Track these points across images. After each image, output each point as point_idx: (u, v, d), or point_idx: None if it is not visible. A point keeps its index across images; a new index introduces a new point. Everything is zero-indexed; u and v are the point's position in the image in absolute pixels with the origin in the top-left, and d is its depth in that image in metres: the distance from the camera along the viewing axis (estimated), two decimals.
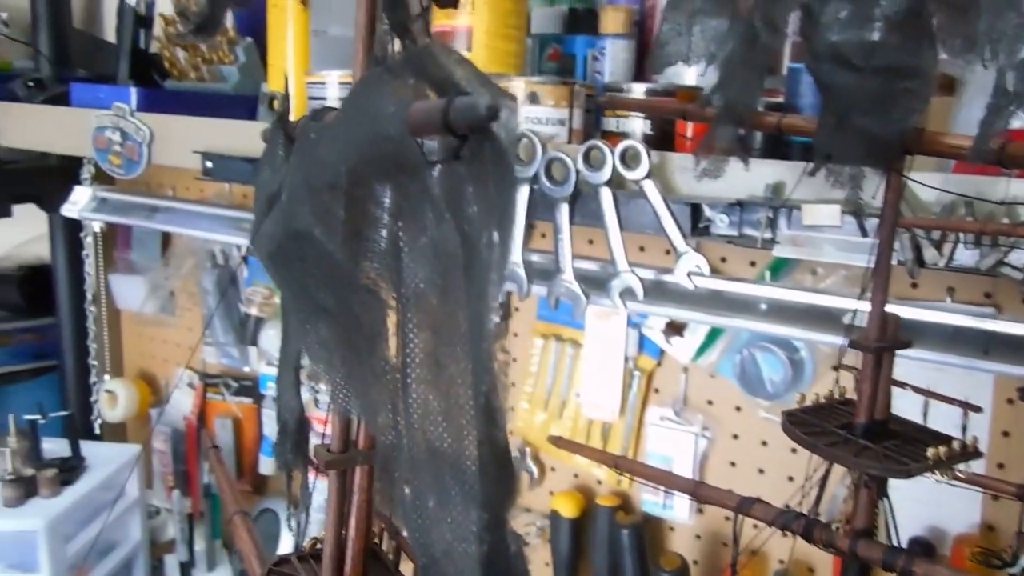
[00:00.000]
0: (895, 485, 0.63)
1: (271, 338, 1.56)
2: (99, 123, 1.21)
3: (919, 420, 0.65)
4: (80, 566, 1.37)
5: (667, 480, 0.74)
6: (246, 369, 1.65)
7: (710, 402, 1.19)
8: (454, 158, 0.40)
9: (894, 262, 0.71)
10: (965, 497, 0.82)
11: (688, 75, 1.02)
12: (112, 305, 1.77)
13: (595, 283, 0.88)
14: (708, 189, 0.80)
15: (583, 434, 1.29)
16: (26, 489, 1.34)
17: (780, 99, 0.91)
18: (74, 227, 1.67)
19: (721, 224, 0.80)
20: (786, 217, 0.77)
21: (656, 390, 1.23)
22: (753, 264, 1.11)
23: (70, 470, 1.41)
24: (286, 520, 1.59)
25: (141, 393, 1.78)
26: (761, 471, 1.16)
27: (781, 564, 1.13)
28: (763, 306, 0.84)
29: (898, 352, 0.62)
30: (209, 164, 1.11)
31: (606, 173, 0.81)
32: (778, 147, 0.83)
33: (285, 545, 1.56)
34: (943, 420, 0.64)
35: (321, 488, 0.67)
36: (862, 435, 0.61)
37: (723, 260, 1.12)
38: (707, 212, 0.81)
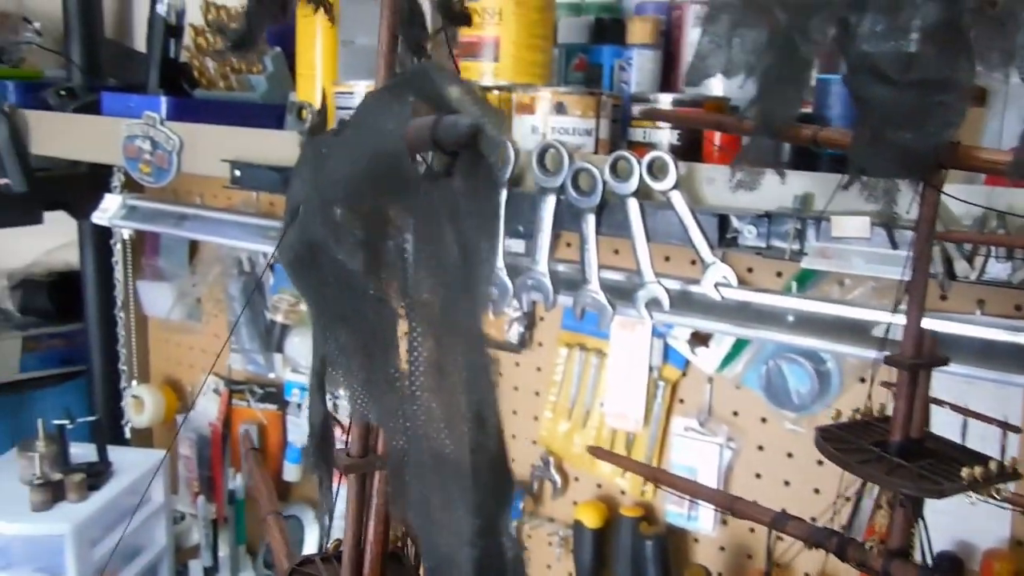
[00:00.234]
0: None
1: (296, 345, 1.57)
2: (129, 132, 1.22)
3: (958, 437, 0.64)
4: (106, 570, 1.39)
5: (704, 494, 0.73)
6: (271, 376, 1.66)
7: (735, 413, 1.18)
8: (446, 173, 0.43)
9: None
10: (994, 511, 0.81)
11: (716, 86, 1.02)
12: (140, 311, 1.79)
13: (621, 293, 0.88)
14: (735, 200, 0.80)
15: (607, 444, 1.28)
16: (54, 493, 1.36)
17: (808, 110, 0.90)
18: (103, 234, 1.69)
19: (749, 236, 0.79)
20: (815, 229, 0.77)
21: (681, 400, 1.23)
22: (780, 275, 1.10)
23: (97, 475, 1.42)
24: (315, 522, 1.60)
25: (167, 399, 1.80)
26: (787, 483, 1.15)
27: None
28: (790, 318, 0.84)
29: None
30: (237, 172, 1.12)
31: (633, 184, 0.81)
32: (806, 158, 0.83)
33: (310, 550, 1.56)
34: (980, 438, 0.64)
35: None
36: (896, 453, 0.60)
37: (749, 271, 1.12)
38: (735, 223, 0.81)
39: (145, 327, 1.83)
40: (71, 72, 1.62)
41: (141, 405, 1.76)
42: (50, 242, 1.91)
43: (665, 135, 0.92)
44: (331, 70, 1.14)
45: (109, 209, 1.42)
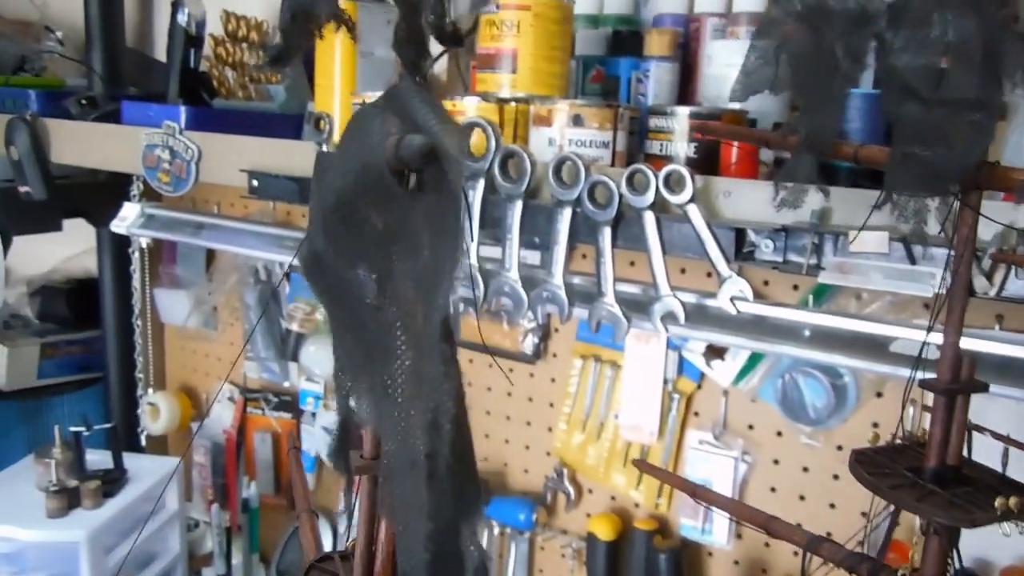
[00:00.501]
0: None
1: (311, 354, 1.58)
2: (149, 141, 1.23)
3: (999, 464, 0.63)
4: None
5: (741, 512, 0.72)
6: (286, 384, 1.67)
7: (751, 426, 1.18)
8: (417, 188, 0.46)
9: (941, 291, 0.70)
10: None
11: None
12: (156, 319, 1.80)
13: (637, 306, 0.87)
14: (752, 214, 0.79)
15: (621, 456, 1.28)
16: (69, 500, 1.36)
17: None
18: (122, 242, 1.70)
19: (765, 250, 0.79)
20: (832, 243, 0.76)
21: (696, 413, 1.22)
22: (796, 288, 1.10)
23: (112, 482, 1.43)
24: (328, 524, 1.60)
25: (183, 406, 1.80)
26: (802, 497, 1.14)
27: None
28: (806, 332, 0.83)
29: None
30: (255, 182, 1.13)
31: (650, 197, 0.81)
32: (823, 172, 0.82)
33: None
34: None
35: None
36: (931, 480, 0.59)
37: (766, 283, 1.11)
38: (751, 237, 0.80)
39: (162, 335, 1.84)
40: (92, 81, 1.63)
41: (157, 412, 1.77)
42: (69, 249, 1.92)
43: (682, 148, 0.92)
44: (349, 81, 1.14)
45: (128, 217, 1.43)
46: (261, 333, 1.65)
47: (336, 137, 1.02)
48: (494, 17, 1.00)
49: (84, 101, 1.39)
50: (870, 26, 0.56)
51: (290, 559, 1.67)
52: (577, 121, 0.92)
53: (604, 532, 1.27)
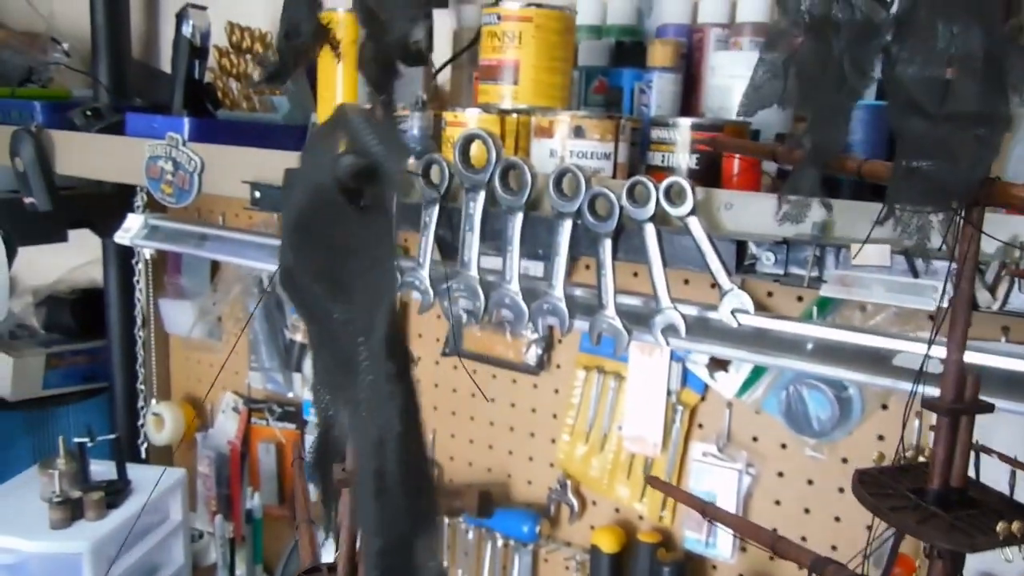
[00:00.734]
0: None
1: None
2: (152, 152, 1.23)
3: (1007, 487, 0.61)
4: None
5: (748, 530, 0.71)
6: (290, 395, 1.67)
7: (755, 438, 1.17)
8: (357, 205, 0.47)
9: (944, 304, 0.70)
10: None
11: (735, 108, 1.01)
12: (161, 329, 1.80)
13: (638, 319, 0.87)
14: (754, 226, 0.79)
15: (624, 468, 1.27)
16: (72, 511, 1.36)
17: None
18: (127, 253, 1.70)
19: (767, 262, 0.79)
20: (834, 256, 0.76)
21: (700, 425, 1.22)
22: (800, 299, 1.09)
23: (116, 493, 1.43)
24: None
25: (187, 417, 1.80)
26: (807, 511, 1.13)
27: None
28: (809, 346, 0.82)
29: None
30: (257, 194, 1.12)
31: (650, 209, 0.80)
32: (826, 184, 0.82)
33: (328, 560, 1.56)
34: None
35: None
36: (934, 502, 0.58)
37: (769, 295, 1.11)
38: (752, 250, 0.80)
39: (166, 345, 1.85)
40: (98, 92, 1.64)
41: (161, 422, 1.77)
42: (74, 260, 1.93)
43: (684, 159, 0.92)
44: (352, 93, 1.14)
45: (131, 229, 1.43)
46: (265, 343, 1.65)
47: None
48: (496, 28, 1.00)
49: (89, 112, 1.39)
50: (877, 39, 0.55)
51: (293, 570, 1.67)
52: (578, 133, 0.92)
53: (608, 544, 1.26)
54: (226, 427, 1.75)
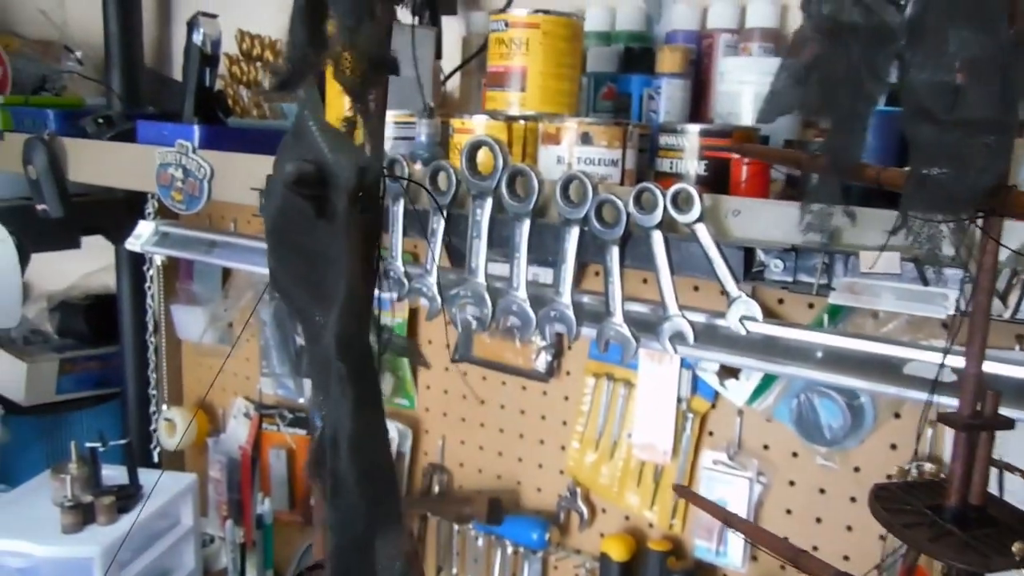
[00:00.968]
0: None
1: None
2: (162, 160, 1.24)
3: None
4: None
5: (770, 543, 0.70)
6: (301, 400, 1.67)
7: (766, 447, 1.16)
8: (320, 211, 0.49)
9: (953, 312, 0.69)
10: None
11: (745, 115, 1.01)
12: (173, 335, 1.80)
13: (645, 326, 0.86)
14: (762, 233, 0.78)
15: (634, 476, 1.26)
16: (84, 516, 1.36)
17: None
18: (139, 259, 1.71)
19: (775, 269, 0.78)
20: (843, 263, 0.75)
21: (710, 433, 1.21)
22: (811, 307, 1.08)
23: (127, 497, 1.43)
24: None
25: (199, 422, 1.81)
26: (819, 520, 1.12)
27: None
28: (819, 353, 0.82)
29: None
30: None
31: (657, 216, 0.80)
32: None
33: None
34: None
35: None
36: (951, 519, 0.57)
37: (780, 302, 1.10)
38: (761, 257, 0.79)
39: (178, 351, 1.85)
40: (111, 100, 1.65)
41: (173, 428, 1.78)
42: (88, 266, 1.94)
43: (692, 166, 0.91)
44: None
45: (142, 235, 1.44)
46: (276, 349, 1.66)
47: None
48: (503, 35, 1.00)
49: (100, 120, 1.40)
50: (893, 43, 0.55)
51: None
52: (585, 139, 0.92)
53: (617, 552, 1.25)
54: (237, 432, 1.76)
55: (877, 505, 0.60)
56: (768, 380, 1.13)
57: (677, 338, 0.83)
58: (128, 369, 1.80)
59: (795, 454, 1.14)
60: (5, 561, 1.32)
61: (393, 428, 1.50)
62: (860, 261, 0.71)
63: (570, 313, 0.88)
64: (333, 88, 1.16)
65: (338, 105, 1.16)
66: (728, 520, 0.74)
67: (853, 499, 1.09)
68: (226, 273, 1.73)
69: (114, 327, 1.80)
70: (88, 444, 1.44)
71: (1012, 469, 0.60)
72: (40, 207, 1.42)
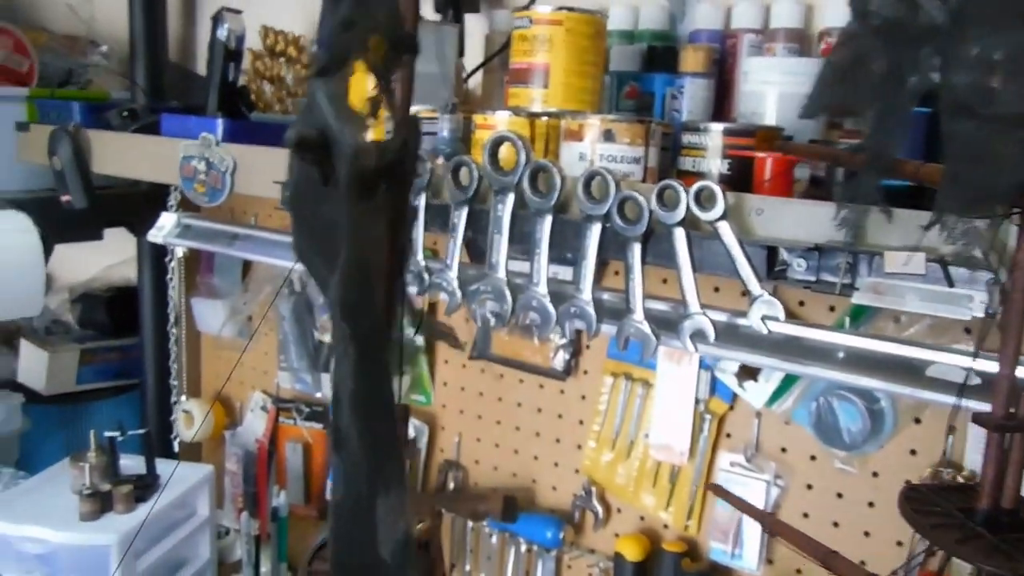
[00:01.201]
0: None
1: None
2: (186, 152, 1.25)
3: None
4: None
5: (804, 544, 0.70)
6: (318, 395, 1.68)
7: (784, 449, 1.16)
8: (326, 178, 0.49)
9: (979, 314, 0.68)
10: None
11: (768, 115, 1.00)
12: (193, 327, 1.82)
13: (666, 324, 0.86)
14: (785, 232, 0.78)
15: (651, 476, 1.26)
16: (102, 504, 1.37)
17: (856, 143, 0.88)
18: (160, 251, 1.72)
19: (798, 268, 0.77)
20: (867, 263, 0.74)
21: (728, 435, 1.20)
22: (832, 309, 1.07)
23: (145, 487, 1.44)
24: None
25: (216, 414, 1.82)
26: (836, 524, 1.11)
27: None
28: (841, 354, 0.81)
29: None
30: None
31: (680, 213, 0.80)
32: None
33: None
34: None
35: None
36: (982, 522, 0.56)
37: (801, 304, 1.09)
38: (783, 256, 0.79)
39: (198, 343, 1.86)
40: (135, 94, 1.66)
41: (191, 419, 1.79)
42: (110, 258, 1.96)
43: (715, 164, 0.91)
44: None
45: (164, 227, 1.45)
46: (295, 344, 1.66)
47: None
48: (526, 32, 1.00)
49: (125, 113, 1.42)
50: (935, 39, 0.54)
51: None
52: (608, 136, 0.91)
53: (632, 552, 1.25)
54: (254, 426, 1.77)
55: (907, 506, 0.59)
56: (787, 382, 1.12)
57: (698, 336, 0.83)
58: (148, 360, 1.81)
59: (813, 457, 1.13)
60: (24, 547, 1.33)
61: (410, 424, 1.51)
62: (884, 261, 0.71)
63: (590, 309, 0.88)
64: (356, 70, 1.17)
65: (361, 88, 1.16)
66: (763, 520, 0.74)
67: (871, 504, 1.09)
68: (246, 267, 1.74)
69: (135, 319, 1.82)
70: (107, 434, 1.45)
71: None
72: (64, 198, 1.43)
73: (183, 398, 1.82)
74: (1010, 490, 0.57)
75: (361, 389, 0.44)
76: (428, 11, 1.28)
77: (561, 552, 1.35)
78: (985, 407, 0.68)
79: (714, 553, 1.20)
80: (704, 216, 0.79)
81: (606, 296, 0.91)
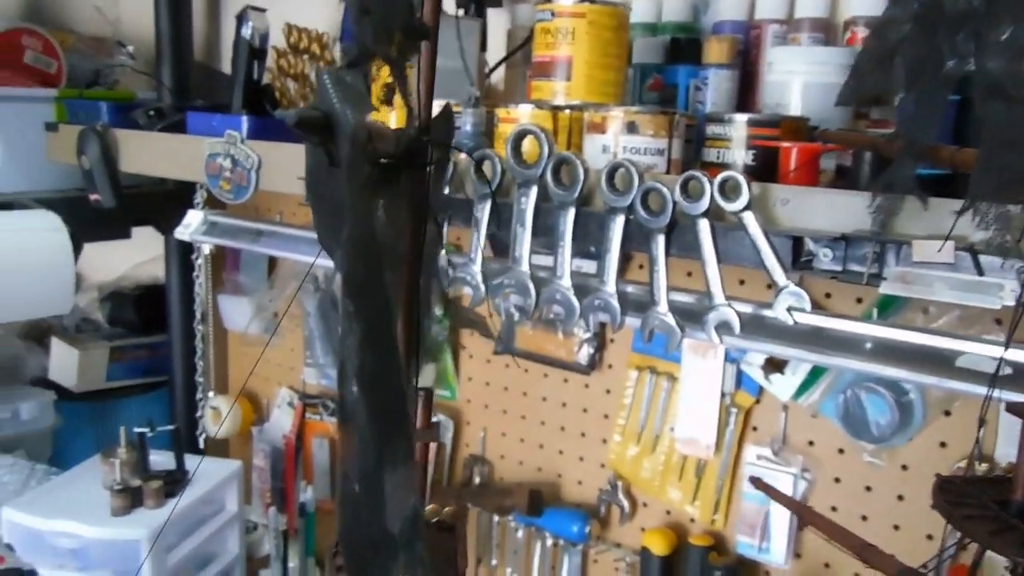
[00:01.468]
0: None
1: None
2: (211, 150, 1.26)
3: None
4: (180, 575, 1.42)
5: (841, 536, 0.69)
6: None
7: (811, 443, 1.15)
8: (332, 160, 0.50)
9: (1010, 303, 0.67)
10: None
11: (793, 105, 0.99)
12: (220, 325, 1.83)
13: (691, 316, 0.86)
14: (811, 222, 0.77)
15: (676, 470, 1.26)
16: (132, 499, 1.39)
17: (891, 131, 0.87)
18: (187, 249, 1.74)
19: (824, 258, 0.77)
20: (895, 253, 0.74)
21: (754, 428, 1.20)
22: (860, 301, 1.06)
23: (174, 482, 1.46)
24: None
25: (244, 410, 1.83)
26: (864, 518, 1.10)
27: None
28: (868, 345, 0.80)
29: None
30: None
31: (704, 204, 0.79)
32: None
33: None
34: None
35: None
36: (1017, 514, 0.55)
37: (828, 296, 1.08)
38: (809, 246, 0.78)
39: (225, 340, 1.88)
40: (161, 93, 1.68)
41: (219, 416, 1.81)
42: (138, 256, 1.98)
43: (739, 155, 0.90)
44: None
45: (191, 224, 1.46)
46: (320, 340, 1.67)
47: None
48: (549, 25, 1.00)
49: (152, 112, 1.43)
50: (973, 23, 0.54)
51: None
52: (631, 128, 0.91)
53: (658, 547, 1.24)
54: (281, 421, 1.78)
55: (940, 497, 0.59)
56: (814, 375, 1.11)
57: (723, 328, 0.83)
58: (176, 357, 1.83)
59: (841, 451, 1.12)
60: (57, 541, 1.35)
61: (434, 410, 1.51)
62: (912, 250, 0.70)
63: (614, 302, 0.87)
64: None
65: (380, 75, 1.17)
66: (802, 513, 0.73)
67: (900, 497, 1.08)
68: (272, 264, 1.75)
69: (163, 316, 1.84)
70: (137, 430, 1.47)
71: None
72: (93, 197, 1.45)
73: (210, 394, 1.83)
74: None
75: (367, 364, 0.45)
76: (450, 6, 1.28)
77: (587, 546, 1.35)
78: (1017, 397, 0.67)
79: (741, 547, 1.20)
80: (729, 207, 0.78)
81: (630, 289, 0.91)
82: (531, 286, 0.91)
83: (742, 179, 0.77)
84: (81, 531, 1.34)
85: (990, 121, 0.52)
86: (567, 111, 0.98)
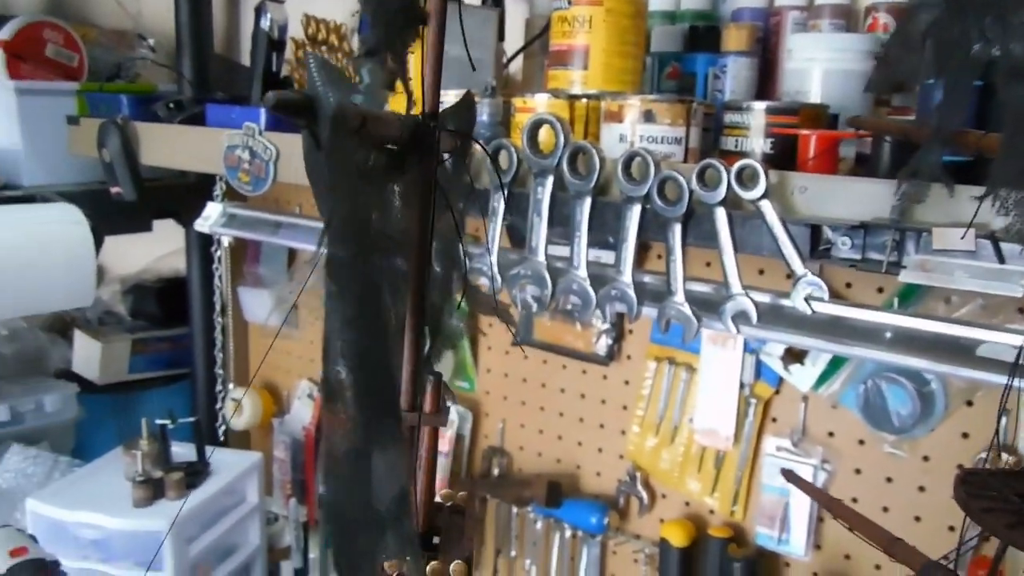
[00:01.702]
0: None
1: None
2: (230, 141, 1.26)
3: None
4: (201, 566, 1.43)
5: (869, 530, 0.69)
6: None
7: (831, 434, 1.14)
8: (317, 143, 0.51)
9: None
10: None
11: (813, 93, 0.98)
12: (240, 317, 1.84)
13: (708, 306, 0.85)
14: (830, 210, 0.76)
15: (695, 462, 1.25)
16: (154, 491, 1.40)
17: (911, 118, 0.86)
18: (207, 242, 1.75)
19: (843, 247, 0.76)
20: (914, 241, 0.73)
21: (774, 419, 1.19)
22: (881, 290, 1.05)
23: (195, 474, 1.47)
24: None
25: (264, 402, 1.85)
26: (885, 509, 1.09)
27: None
28: (888, 334, 0.79)
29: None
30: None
31: (721, 192, 0.79)
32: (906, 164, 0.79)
33: None
34: None
35: None
36: None
37: (848, 286, 1.07)
38: (828, 234, 0.77)
39: (245, 332, 1.89)
40: (182, 86, 1.69)
41: (240, 408, 1.82)
42: (159, 249, 1.99)
43: (758, 144, 0.90)
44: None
45: (210, 216, 1.47)
46: None
47: None
48: (566, 13, 0.99)
49: (171, 105, 1.44)
50: (999, 6, 0.53)
51: None
52: (648, 117, 0.90)
53: (677, 538, 1.24)
54: (301, 414, 1.79)
55: (962, 489, 0.58)
56: (834, 365, 1.10)
57: (740, 317, 0.82)
58: (197, 350, 1.84)
59: (861, 442, 1.11)
60: (80, 532, 1.37)
61: (453, 411, 1.51)
62: (932, 238, 0.69)
63: (631, 292, 0.87)
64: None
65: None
66: (830, 506, 0.73)
67: (922, 488, 1.06)
68: (292, 256, 1.76)
69: (184, 309, 1.85)
70: (158, 422, 1.48)
71: None
72: (114, 190, 1.46)
73: (231, 386, 1.84)
74: None
75: (352, 345, 0.45)
76: None
77: (606, 538, 1.35)
78: None
79: (760, 538, 1.19)
80: (746, 195, 0.78)
81: (647, 279, 0.90)
82: (547, 276, 0.91)
83: (759, 167, 0.76)
84: (103, 522, 1.35)
85: (1013, 105, 0.51)
86: (584, 100, 0.98)
